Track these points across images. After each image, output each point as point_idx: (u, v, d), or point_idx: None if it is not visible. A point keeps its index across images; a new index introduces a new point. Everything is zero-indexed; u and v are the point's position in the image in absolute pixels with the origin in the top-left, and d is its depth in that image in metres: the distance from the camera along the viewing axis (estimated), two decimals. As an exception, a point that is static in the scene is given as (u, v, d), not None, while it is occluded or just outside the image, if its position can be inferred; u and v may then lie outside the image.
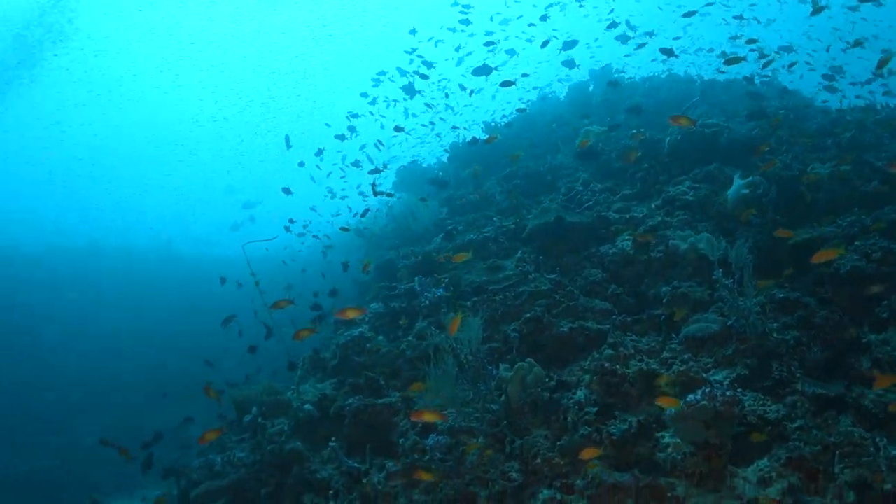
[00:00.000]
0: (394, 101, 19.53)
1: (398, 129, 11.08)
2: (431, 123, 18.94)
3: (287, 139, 17.03)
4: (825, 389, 4.92)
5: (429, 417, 4.51)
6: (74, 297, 21.85)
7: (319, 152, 17.02)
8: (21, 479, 14.95)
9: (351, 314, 5.57)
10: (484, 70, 13.92)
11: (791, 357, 5.24)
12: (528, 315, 6.15)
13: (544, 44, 13.35)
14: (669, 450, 4.42)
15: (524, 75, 14.63)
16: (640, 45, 15.41)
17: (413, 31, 18.53)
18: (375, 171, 14.03)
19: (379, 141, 15.45)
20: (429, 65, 16.20)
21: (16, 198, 41.07)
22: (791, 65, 13.58)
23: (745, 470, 4.34)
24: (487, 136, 9.45)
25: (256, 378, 8.25)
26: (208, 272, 26.53)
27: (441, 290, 7.06)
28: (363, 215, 11.77)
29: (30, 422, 16.80)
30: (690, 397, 4.27)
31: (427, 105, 16.93)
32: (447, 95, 20.86)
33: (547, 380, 5.34)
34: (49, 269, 24.25)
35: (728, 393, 4.27)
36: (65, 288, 22.80)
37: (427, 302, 7.07)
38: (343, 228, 12.43)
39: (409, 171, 16.77)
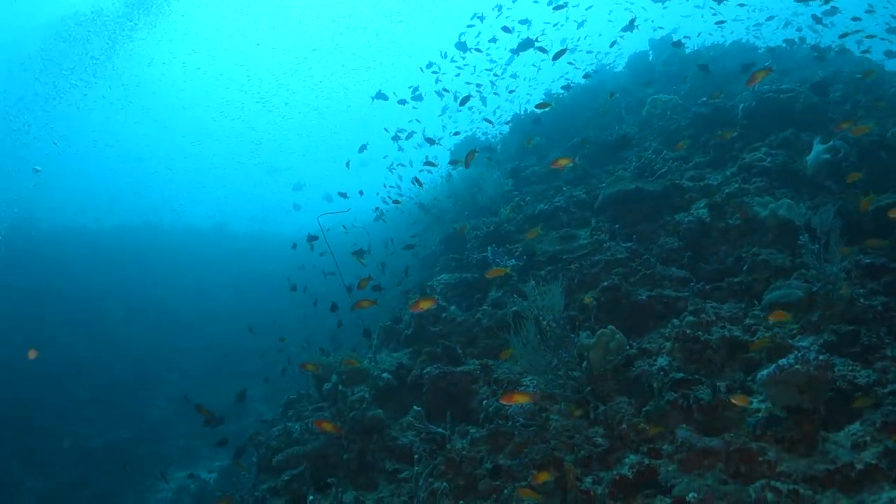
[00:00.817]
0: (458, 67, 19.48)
1: (464, 100, 11.02)
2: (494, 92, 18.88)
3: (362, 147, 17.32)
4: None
5: (520, 399, 4.49)
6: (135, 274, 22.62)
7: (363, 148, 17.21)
8: (99, 452, 15.63)
9: (424, 305, 5.54)
10: (528, 44, 13.92)
11: (879, 323, 5.11)
12: (605, 283, 6.13)
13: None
14: (760, 414, 4.37)
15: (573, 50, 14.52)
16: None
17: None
18: (430, 141, 14.04)
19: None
20: (507, 29, 16.25)
21: (82, 177, 42.69)
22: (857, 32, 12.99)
23: (836, 435, 4.27)
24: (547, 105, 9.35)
25: (331, 351, 8.42)
26: (263, 248, 27.23)
27: (514, 260, 7.07)
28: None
29: (103, 396, 17.53)
30: (783, 361, 4.21)
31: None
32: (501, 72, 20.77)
33: (628, 347, 5.32)
34: (111, 247, 25.12)
35: (822, 357, 4.19)
36: (127, 264, 23.62)
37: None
38: (396, 201, 12.51)
39: (466, 146, 16.75)
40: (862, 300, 5.27)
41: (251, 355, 16.49)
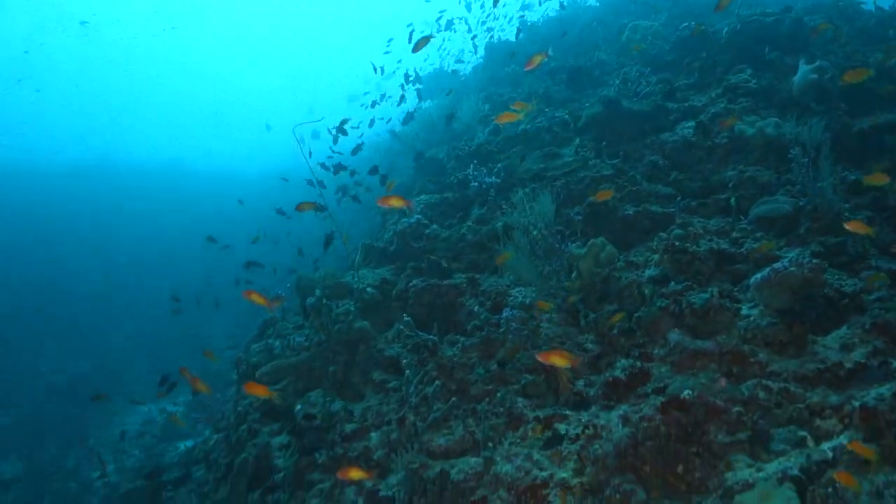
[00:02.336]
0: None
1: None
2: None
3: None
4: (902, 266, 4.88)
5: (558, 361, 3.96)
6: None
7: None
8: (61, 386, 15.46)
9: (394, 202, 5.35)
10: None
11: (864, 236, 5.19)
12: (591, 199, 6.09)
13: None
14: (752, 318, 4.43)
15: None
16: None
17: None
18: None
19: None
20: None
21: (33, 113, 40.86)
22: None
23: (824, 339, 4.35)
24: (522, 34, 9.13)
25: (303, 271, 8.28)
26: (224, 188, 26.73)
27: (494, 178, 6.97)
28: (404, 123, 11.56)
29: (63, 332, 17.27)
30: (777, 265, 4.24)
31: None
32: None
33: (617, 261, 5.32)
34: (66, 184, 24.40)
35: (815, 260, 4.23)
36: (84, 201, 23.00)
37: (483, 187, 6.99)
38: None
39: (437, 78, 16.43)
40: (847, 215, 5.33)
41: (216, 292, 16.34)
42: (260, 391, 4.77)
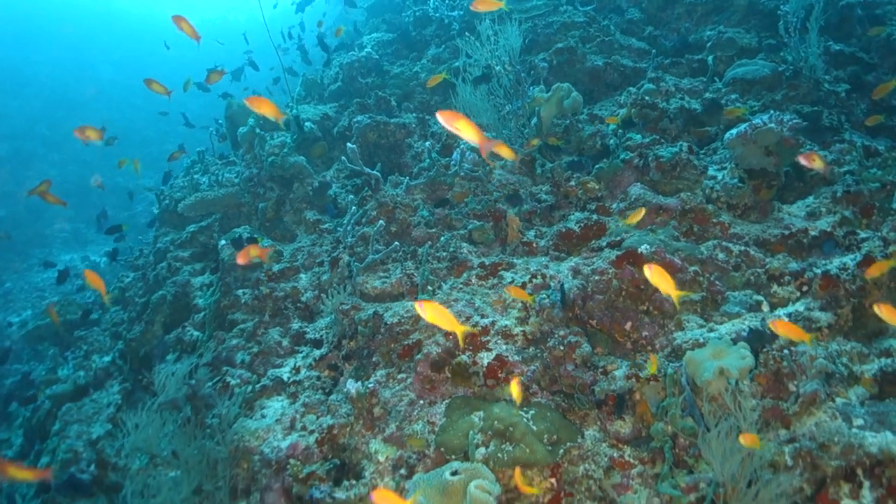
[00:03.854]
0: None
1: None
2: None
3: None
4: (874, 143, 4.64)
5: (504, 152, 3.48)
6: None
7: None
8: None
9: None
10: None
11: (840, 109, 4.90)
12: (559, 45, 5.57)
13: None
14: (718, 178, 4.13)
15: None
16: None
17: None
18: None
19: None
20: None
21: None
22: None
23: (790, 206, 4.12)
24: None
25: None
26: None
27: (458, 13, 6.31)
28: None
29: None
30: (757, 120, 3.89)
31: None
32: None
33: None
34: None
35: (795, 120, 3.90)
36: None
37: (445, 21, 6.32)
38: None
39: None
40: (827, 86, 5.01)
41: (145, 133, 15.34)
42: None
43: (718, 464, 2.27)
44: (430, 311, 2.74)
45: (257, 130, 5.34)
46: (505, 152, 2.82)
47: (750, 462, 2.35)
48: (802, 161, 3.51)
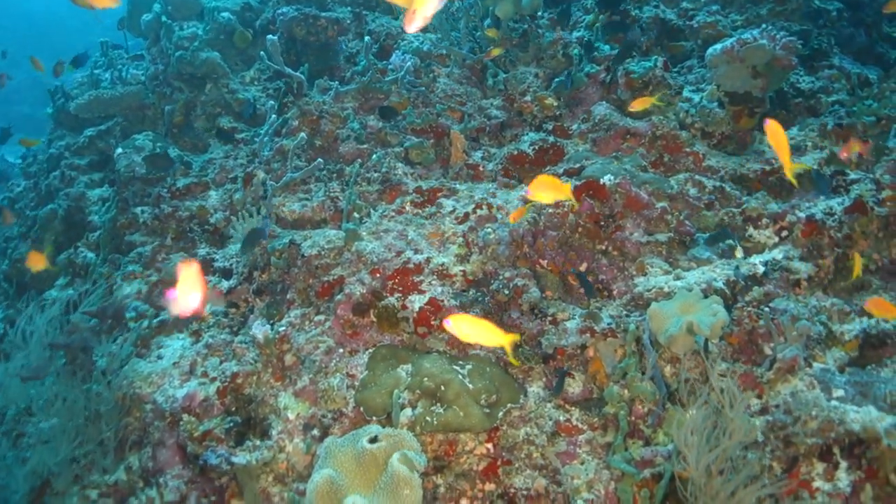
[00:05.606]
0: None
1: None
2: None
3: None
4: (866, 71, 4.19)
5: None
6: None
7: None
8: None
9: None
10: None
11: (830, 31, 4.41)
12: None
13: None
14: (694, 101, 3.61)
15: None
16: None
17: None
18: None
19: None
20: None
21: None
22: None
23: (771, 137, 3.66)
24: None
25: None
26: None
27: None
28: None
29: None
30: (747, 34, 3.35)
31: None
32: None
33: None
34: None
35: (790, 37, 3.38)
36: None
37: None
38: None
39: None
40: (817, 2, 4.49)
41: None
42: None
43: (693, 456, 1.84)
44: (467, 327, 2.14)
45: (164, 19, 4.52)
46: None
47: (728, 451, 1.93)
48: (842, 155, 3.09)
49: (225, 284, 3.47)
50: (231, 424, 2.78)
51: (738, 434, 1.80)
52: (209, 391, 2.89)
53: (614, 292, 2.98)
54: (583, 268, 3.05)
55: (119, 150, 4.23)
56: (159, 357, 3.30)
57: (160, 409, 2.94)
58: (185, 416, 2.79)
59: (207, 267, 3.73)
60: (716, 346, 2.57)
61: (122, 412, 3.11)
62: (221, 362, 3.05)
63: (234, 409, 2.87)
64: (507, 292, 2.81)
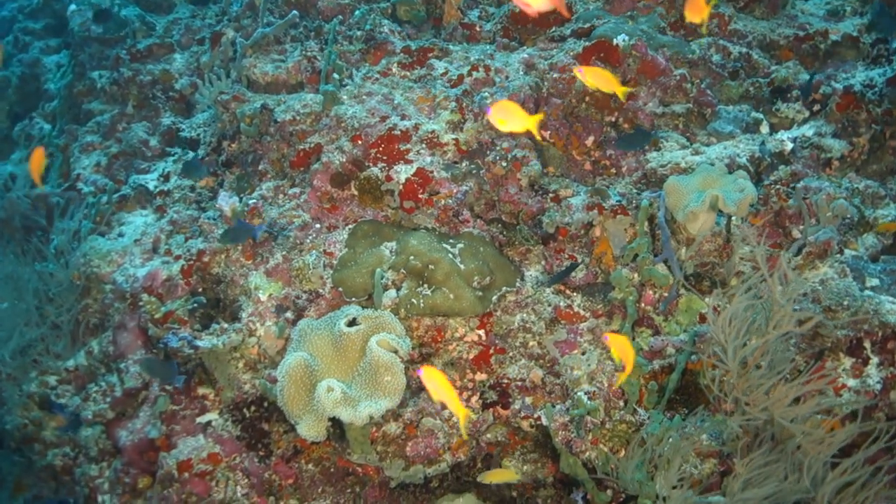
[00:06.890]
0: None
1: None
2: None
3: None
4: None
5: None
6: None
7: None
8: None
9: None
10: None
11: None
12: None
13: None
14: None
15: None
16: None
17: None
18: None
19: None
20: None
21: None
22: None
23: (805, 1, 3.27)
24: None
25: None
26: None
27: None
28: None
29: None
30: None
31: None
32: None
33: None
34: None
35: None
36: None
37: None
38: None
39: None
40: None
41: None
42: None
43: (731, 347, 1.58)
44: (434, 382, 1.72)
45: None
46: None
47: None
48: None
49: (191, 156, 3.15)
50: (195, 305, 2.52)
51: (786, 324, 1.53)
52: (172, 270, 2.61)
53: (623, 169, 2.68)
54: (589, 141, 2.72)
55: (73, 7, 3.78)
56: (120, 234, 3.02)
57: (121, 289, 2.68)
58: (146, 297, 2.52)
59: (171, 138, 3.39)
60: (738, 227, 2.29)
61: (79, 293, 2.85)
62: (187, 239, 2.75)
63: (200, 289, 2.60)
64: (504, 164, 2.49)
